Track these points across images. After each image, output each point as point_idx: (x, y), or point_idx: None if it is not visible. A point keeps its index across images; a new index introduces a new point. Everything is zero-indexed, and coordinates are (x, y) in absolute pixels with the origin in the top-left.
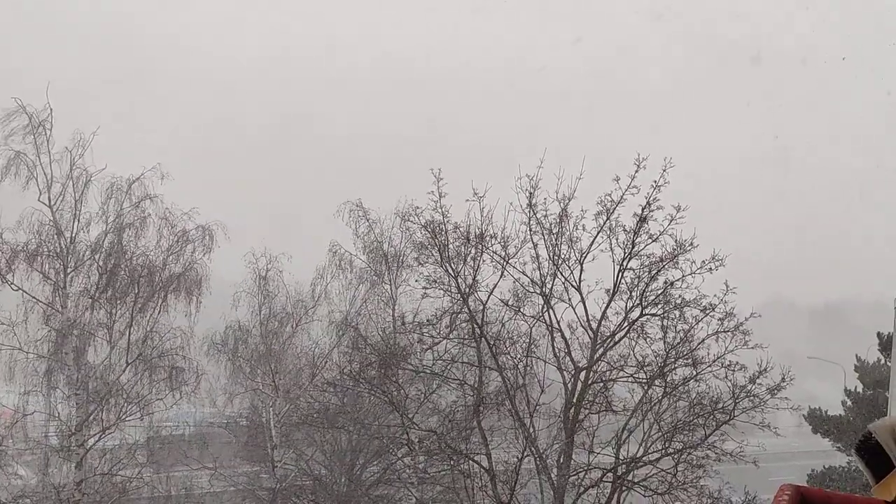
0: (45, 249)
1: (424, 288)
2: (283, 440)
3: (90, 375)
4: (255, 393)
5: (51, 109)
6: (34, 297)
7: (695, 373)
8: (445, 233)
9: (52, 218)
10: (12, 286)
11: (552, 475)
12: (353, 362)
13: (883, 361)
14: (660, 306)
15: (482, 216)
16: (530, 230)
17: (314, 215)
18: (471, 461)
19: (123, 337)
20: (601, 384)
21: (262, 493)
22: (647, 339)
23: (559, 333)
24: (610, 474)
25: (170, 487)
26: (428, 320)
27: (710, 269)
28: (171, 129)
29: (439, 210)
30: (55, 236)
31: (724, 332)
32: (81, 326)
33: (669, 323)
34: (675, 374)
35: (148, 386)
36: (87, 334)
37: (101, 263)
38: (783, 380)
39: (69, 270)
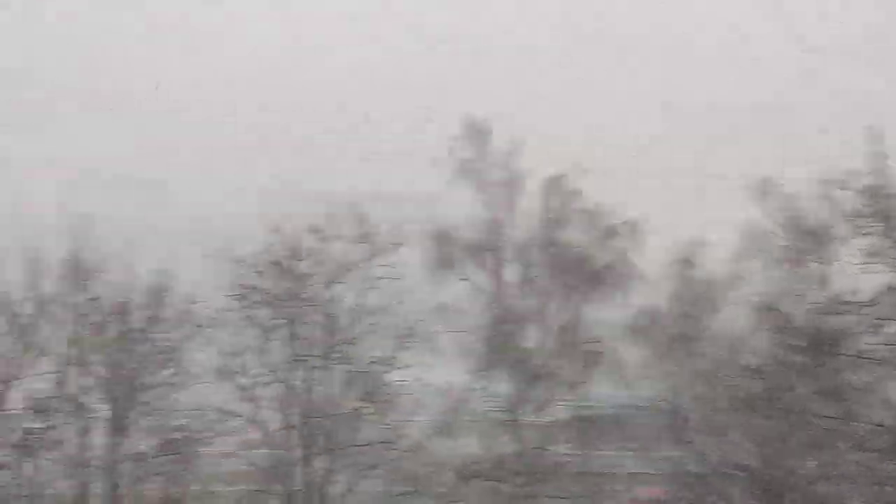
0: (487, 245)
1: (863, 263)
2: (705, 426)
3: (526, 358)
4: (674, 376)
5: (490, 119)
6: (478, 287)
7: None
8: (888, 199)
9: (492, 217)
10: (461, 277)
11: None
12: (778, 346)
13: None
14: None
15: None
16: None
17: (721, 195)
18: None
19: (554, 323)
20: None
21: (688, 479)
22: None
23: None
24: None
25: (594, 465)
26: (871, 300)
27: None
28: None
29: (881, 174)
30: (495, 233)
31: None
32: (517, 314)
33: None
34: None
35: (575, 370)
36: (522, 320)
37: (535, 257)
38: None
39: (507, 263)
